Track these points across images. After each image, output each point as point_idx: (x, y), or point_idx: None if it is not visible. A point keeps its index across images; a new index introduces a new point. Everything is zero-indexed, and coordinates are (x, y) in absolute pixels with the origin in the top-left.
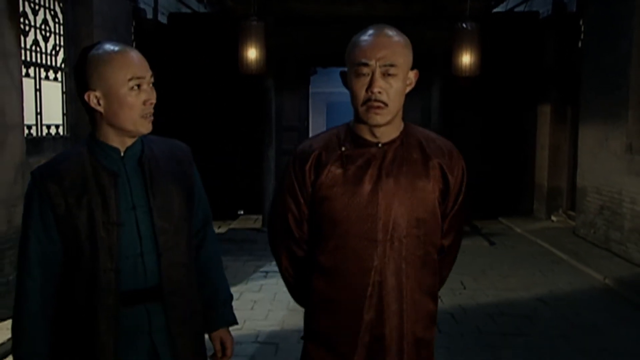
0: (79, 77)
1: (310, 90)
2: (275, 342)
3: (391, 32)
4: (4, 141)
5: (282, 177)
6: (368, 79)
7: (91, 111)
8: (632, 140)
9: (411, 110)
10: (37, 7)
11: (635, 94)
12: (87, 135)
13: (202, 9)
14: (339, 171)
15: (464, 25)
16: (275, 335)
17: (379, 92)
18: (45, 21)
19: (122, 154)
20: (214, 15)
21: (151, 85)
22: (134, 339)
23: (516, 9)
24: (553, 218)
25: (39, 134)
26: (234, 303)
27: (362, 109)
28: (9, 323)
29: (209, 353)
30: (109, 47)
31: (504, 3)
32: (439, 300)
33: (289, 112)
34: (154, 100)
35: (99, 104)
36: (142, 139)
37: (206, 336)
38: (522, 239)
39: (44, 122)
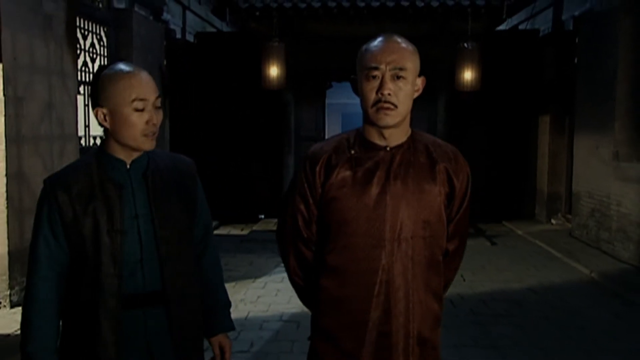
0: (92, 93)
1: (326, 102)
2: (297, 320)
3: (399, 39)
4: (63, 149)
5: (294, 179)
6: (378, 82)
7: (102, 125)
8: (618, 148)
9: (418, 121)
10: (86, 33)
11: (621, 106)
12: (97, 147)
13: (225, 28)
14: (348, 173)
15: (466, 44)
16: (297, 315)
17: (389, 94)
18: (92, 44)
19: (128, 167)
20: (237, 34)
21: (157, 106)
22: (132, 340)
23: (520, 26)
24: (553, 221)
25: (87, 143)
26: (260, 291)
27: (372, 111)
28: None
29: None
30: (119, 67)
31: (509, 19)
32: None
33: (307, 123)
34: (156, 122)
35: (106, 120)
36: (148, 152)
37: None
38: (522, 239)
39: (91, 134)
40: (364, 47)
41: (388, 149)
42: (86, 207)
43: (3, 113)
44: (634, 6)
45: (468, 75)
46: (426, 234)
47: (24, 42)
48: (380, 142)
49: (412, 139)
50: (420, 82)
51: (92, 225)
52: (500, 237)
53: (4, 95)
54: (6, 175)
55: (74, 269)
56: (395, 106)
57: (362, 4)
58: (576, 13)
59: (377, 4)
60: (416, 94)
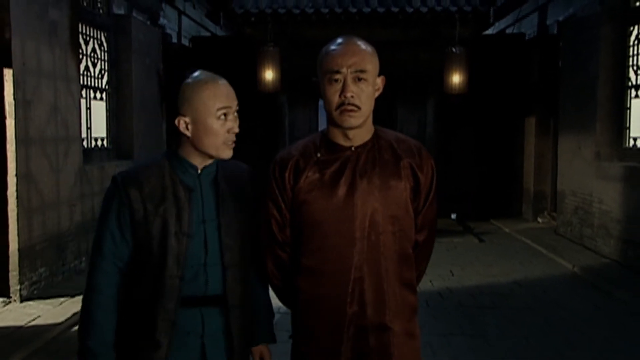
0: (175, 102)
1: (319, 103)
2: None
3: (359, 42)
4: (68, 151)
5: (265, 185)
6: (340, 85)
7: (177, 130)
8: (599, 148)
9: (408, 123)
10: (88, 38)
11: (602, 108)
12: (169, 150)
13: (219, 31)
14: (316, 176)
15: (454, 49)
16: None
17: (352, 97)
18: (94, 49)
19: (199, 172)
20: (232, 38)
21: (235, 114)
22: (187, 339)
23: (507, 30)
24: (539, 219)
25: (89, 145)
26: None
27: (336, 113)
28: (71, 300)
29: None
30: (201, 77)
31: (497, 23)
32: (430, 283)
33: (301, 124)
34: (237, 130)
35: (187, 129)
36: (217, 160)
37: None
38: (509, 237)
39: (93, 136)
40: (324, 50)
41: (353, 148)
42: (157, 207)
43: (13, 116)
44: (614, 13)
45: (456, 78)
46: (395, 229)
47: (32, 48)
48: (345, 143)
49: (376, 136)
50: (380, 81)
51: (161, 225)
52: (488, 234)
53: (14, 98)
54: (16, 175)
55: (135, 266)
56: (359, 108)
57: (353, 10)
58: (560, 18)
59: (368, 10)
60: (377, 93)
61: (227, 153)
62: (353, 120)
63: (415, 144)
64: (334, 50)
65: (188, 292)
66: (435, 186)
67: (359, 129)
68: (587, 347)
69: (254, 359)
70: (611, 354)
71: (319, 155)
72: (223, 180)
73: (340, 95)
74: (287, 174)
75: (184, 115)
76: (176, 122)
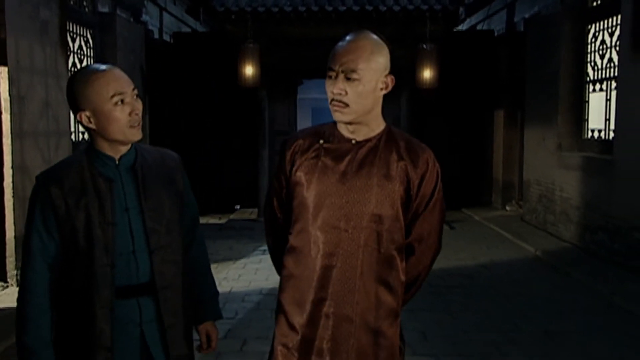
0: (70, 100)
1: (298, 97)
2: (275, 293)
3: (362, 40)
4: (59, 143)
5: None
6: (333, 81)
7: (86, 127)
8: (561, 140)
9: (384, 115)
10: (75, 36)
11: (564, 102)
12: (87, 145)
13: (199, 27)
14: (313, 161)
15: (425, 46)
16: (275, 289)
17: (339, 94)
18: (80, 47)
19: (117, 162)
20: (213, 34)
21: (135, 96)
22: (126, 328)
23: (478, 26)
24: (507, 208)
25: (77, 139)
26: (241, 271)
27: (331, 108)
28: None
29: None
30: (89, 69)
31: (469, 19)
32: None
33: (280, 118)
34: (138, 110)
35: (91, 122)
36: (136, 147)
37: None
38: (479, 224)
39: (80, 130)
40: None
41: (354, 142)
42: (78, 201)
43: (9, 111)
44: (573, 12)
45: (427, 74)
46: (380, 228)
47: (25, 46)
48: (348, 135)
49: (385, 135)
50: (389, 80)
51: (85, 218)
52: (459, 222)
53: (10, 95)
54: (12, 167)
55: (66, 261)
56: (346, 105)
57: (329, 8)
58: (526, 15)
59: (344, 8)
60: (383, 92)
61: (135, 135)
62: (341, 115)
63: (420, 147)
64: (339, 46)
65: (122, 281)
66: (439, 194)
67: (359, 124)
68: (540, 319)
69: (200, 336)
70: (563, 324)
71: (321, 142)
72: (144, 167)
73: (332, 91)
74: (289, 155)
75: (84, 110)
76: (78, 117)
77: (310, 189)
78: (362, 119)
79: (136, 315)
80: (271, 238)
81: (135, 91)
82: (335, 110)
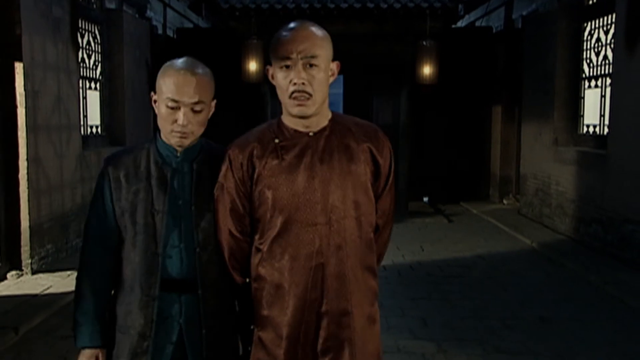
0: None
1: None
2: None
3: (310, 27)
4: (69, 138)
5: (220, 175)
6: (291, 71)
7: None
8: (557, 135)
9: (383, 112)
10: (83, 32)
11: (559, 97)
12: (155, 134)
13: (202, 22)
14: (275, 162)
15: (425, 42)
16: None
17: (303, 83)
18: (88, 42)
19: (177, 154)
20: (216, 30)
21: (191, 111)
22: (165, 323)
23: (476, 23)
24: (504, 201)
25: (86, 132)
26: None
27: (289, 102)
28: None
29: None
30: (174, 64)
31: (467, 16)
32: (402, 257)
33: (281, 112)
34: (185, 124)
35: (153, 105)
36: (202, 143)
37: None
38: (476, 217)
39: (88, 124)
40: (275, 36)
41: (311, 134)
42: (137, 186)
43: (24, 105)
44: (570, 10)
45: (427, 70)
46: (357, 214)
47: (39, 43)
48: (303, 129)
49: (333, 121)
50: (334, 66)
51: (140, 204)
52: (457, 215)
53: (25, 89)
54: (27, 159)
55: (121, 245)
56: (310, 95)
57: (331, 6)
58: (524, 13)
59: (346, 5)
60: (332, 79)
61: (174, 142)
62: (305, 109)
63: (373, 127)
64: (284, 36)
65: (167, 273)
66: (393, 169)
67: (315, 116)
68: (536, 307)
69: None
70: (557, 312)
71: (277, 141)
72: (204, 164)
73: (291, 83)
74: (245, 162)
75: (155, 93)
76: (150, 94)
77: (278, 191)
78: (320, 109)
79: (177, 312)
80: (237, 272)
81: (199, 106)
82: (298, 105)
